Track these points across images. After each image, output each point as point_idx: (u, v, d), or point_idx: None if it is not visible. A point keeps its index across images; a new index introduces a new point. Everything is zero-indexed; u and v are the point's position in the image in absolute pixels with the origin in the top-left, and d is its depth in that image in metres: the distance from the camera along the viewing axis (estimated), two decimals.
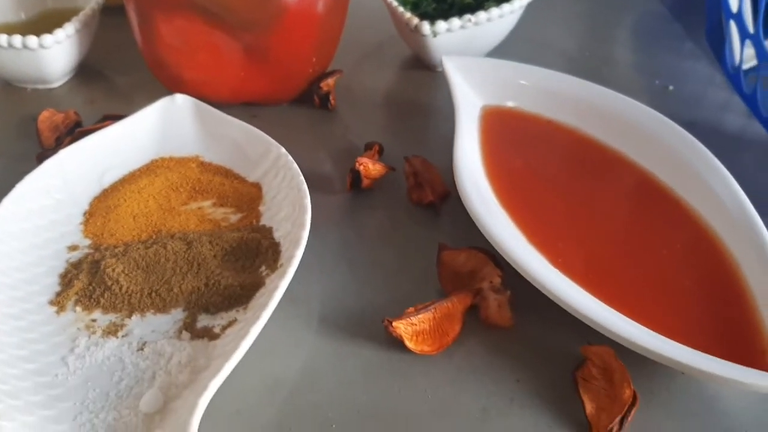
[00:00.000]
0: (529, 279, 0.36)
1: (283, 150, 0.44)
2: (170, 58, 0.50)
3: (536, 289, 0.36)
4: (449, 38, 0.54)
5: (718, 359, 0.32)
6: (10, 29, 0.54)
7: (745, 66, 0.57)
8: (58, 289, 0.39)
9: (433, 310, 0.36)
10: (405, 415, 0.34)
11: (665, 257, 0.39)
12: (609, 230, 0.41)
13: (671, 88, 0.58)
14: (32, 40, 0.51)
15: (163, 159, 0.47)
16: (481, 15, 0.53)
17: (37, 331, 0.36)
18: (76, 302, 0.38)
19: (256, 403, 0.34)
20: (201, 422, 0.32)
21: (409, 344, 0.36)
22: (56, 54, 0.53)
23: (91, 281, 0.39)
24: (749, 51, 0.55)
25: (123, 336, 0.37)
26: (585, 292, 0.36)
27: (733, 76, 0.58)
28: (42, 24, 0.57)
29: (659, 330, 0.34)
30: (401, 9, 0.55)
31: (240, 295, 0.38)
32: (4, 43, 0.51)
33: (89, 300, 0.38)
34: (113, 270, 0.39)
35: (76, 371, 0.35)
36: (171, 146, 0.48)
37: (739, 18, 0.55)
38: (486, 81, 0.50)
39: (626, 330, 0.33)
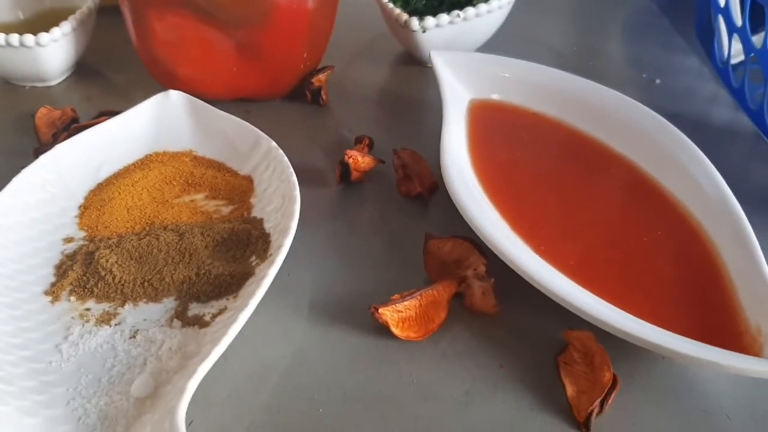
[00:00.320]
0: (511, 266, 0.36)
1: (274, 143, 0.45)
2: (164, 54, 0.51)
3: (520, 276, 0.36)
4: (438, 34, 0.55)
5: (696, 342, 0.33)
6: (8, 28, 0.55)
7: (734, 61, 0.58)
8: (53, 279, 0.40)
9: (418, 297, 0.37)
10: (390, 399, 0.35)
11: (646, 244, 0.40)
12: (591, 218, 0.42)
13: (658, 81, 0.59)
14: (29, 38, 0.52)
15: (157, 153, 0.48)
16: (470, 11, 0.54)
17: (32, 319, 0.37)
18: (71, 292, 0.39)
19: (245, 389, 0.35)
20: (192, 408, 0.33)
21: (395, 330, 0.36)
22: (53, 52, 0.54)
23: (86, 272, 0.40)
24: (738, 46, 0.55)
25: (116, 324, 0.37)
26: (567, 278, 0.36)
27: (722, 70, 0.59)
28: (40, 23, 0.58)
29: (639, 315, 0.35)
30: (391, 5, 0.56)
31: (230, 284, 0.39)
32: (2, 42, 0.52)
33: (83, 290, 0.39)
34: (107, 260, 0.39)
35: (70, 358, 0.36)
36: (165, 141, 0.49)
37: (726, 12, 0.56)
38: (474, 75, 0.50)
39: (606, 314, 0.34)
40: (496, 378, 0.36)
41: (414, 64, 0.60)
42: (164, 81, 0.52)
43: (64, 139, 0.47)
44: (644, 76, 0.59)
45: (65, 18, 0.54)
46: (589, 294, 0.36)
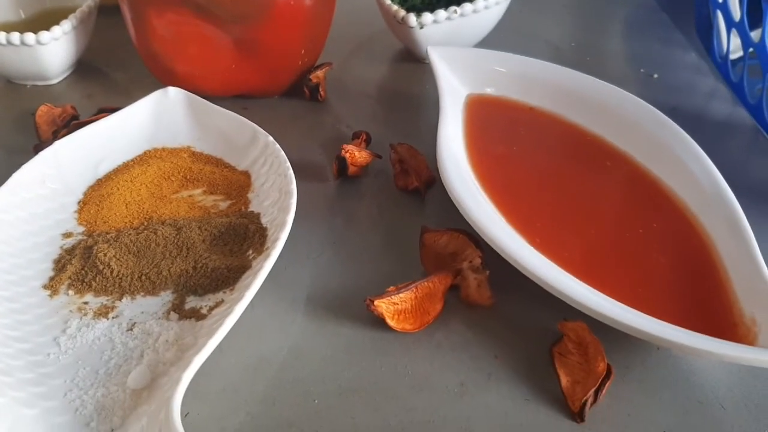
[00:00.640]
0: (506, 258, 0.36)
1: (271, 138, 0.46)
2: (163, 51, 0.51)
3: (515, 268, 0.36)
4: (436, 30, 0.55)
5: (690, 331, 0.33)
6: (9, 28, 0.56)
7: (733, 56, 0.58)
8: (51, 273, 0.40)
9: (414, 290, 0.37)
10: (385, 390, 0.35)
11: (641, 236, 0.40)
12: (587, 211, 0.42)
13: (656, 76, 0.59)
14: (30, 37, 0.53)
15: (155, 149, 0.49)
16: (467, 7, 0.54)
17: (31, 313, 0.38)
18: (69, 286, 0.39)
19: (241, 381, 0.35)
20: (189, 400, 0.33)
21: (391, 323, 0.37)
22: (54, 50, 0.55)
23: (84, 266, 0.40)
24: (737, 41, 0.56)
25: (113, 317, 0.38)
26: (561, 270, 0.36)
27: (721, 65, 0.59)
28: (41, 22, 0.58)
29: (634, 306, 0.35)
30: (389, 2, 0.56)
31: (227, 277, 0.39)
32: (3, 41, 0.53)
33: (81, 284, 0.39)
34: (105, 255, 0.40)
35: (68, 351, 0.36)
36: (164, 137, 0.49)
37: (725, 7, 0.56)
38: (470, 70, 0.51)
39: (600, 305, 0.34)
40: (491, 369, 0.36)
41: (411, 61, 0.61)
42: (163, 78, 0.53)
43: (65, 135, 0.47)
44: (642, 70, 0.59)
45: (66, 17, 0.55)
46: (583, 285, 0.36)
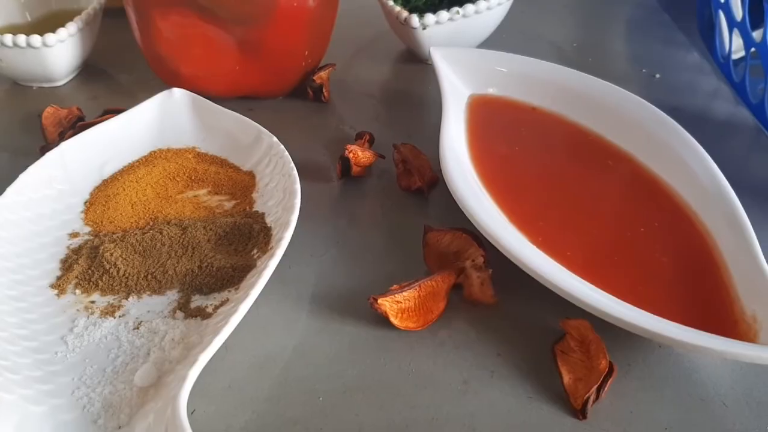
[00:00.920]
0: (509, 256, 0.37)
1: (275, 139, 0.46)
2: (168, 53, 0.51)
3: (517, 267, 0.37)
4: (439, 31, 0.55)
5: (691, 329, 0.33)
6: (15, 30, 0.56)
7: (735, 56, 0.58)
8: (58, 273, 0.41)
9: (417, 288, 0.38)
10: (389, 388, 0.35)
11: (643, 235, 0.40)
12: (588, 210, 0.42)
13: (657, 76, 0.59)
14: (36, 39, 0.53)
15: (161, 150, 0.49)
16: (469, 7, 0.54)
17: (38, 312, 0.38)
18: (76, 285, 0.40)
19: (247, 379, 0.36)
20: (194, 397, 0.33)
21: (395, 321, 0.37)
22: (60, 52, 0.55)
23: (90, 265, 0.40)
24: (739, 41, 0.56)
25: (120, 316, 0.38)
26: (563, 268, 0.37)
27: (723, 65, 0.59)
28: (46, 25, 0.59)
29: (636, 304, 0.35)
30: (391, 3, 0.56)
31: (232, 276, 0.39)
32: (10, 43, 0.53)
33: (88, 283, 0.40)
34: (111, 254, 0.40)
35: (75, 349, 0.36)
36: (169, 138, 0.50)
37: (727, 7, 0.56)
38: (473, 70, 0.51)
39: (602, 303, 0.34)
40: (494, 367, 0.36)
41: (414, 62, 0.61)
42: (168, 79, 0.53)
43: (71, 137, 0.48)
44: (644, 70, 0.60)
45: (71, 19, 0.55)
46: (585, 283, 0.36)
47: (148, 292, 0.39)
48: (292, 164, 0.44)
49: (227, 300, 0.38)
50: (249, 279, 0.39)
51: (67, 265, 0.41)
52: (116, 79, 0.60)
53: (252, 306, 0.36)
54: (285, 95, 0.56)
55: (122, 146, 0.48)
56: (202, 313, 0.38)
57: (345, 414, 0.34)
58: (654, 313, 0.34)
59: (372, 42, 0.65)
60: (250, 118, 0.48)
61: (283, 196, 0.43)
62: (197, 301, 0.39)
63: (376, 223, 0.45)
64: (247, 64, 0.52)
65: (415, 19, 0.54)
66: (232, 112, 0.49)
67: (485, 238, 0.38)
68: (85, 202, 0.45)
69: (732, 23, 0.55)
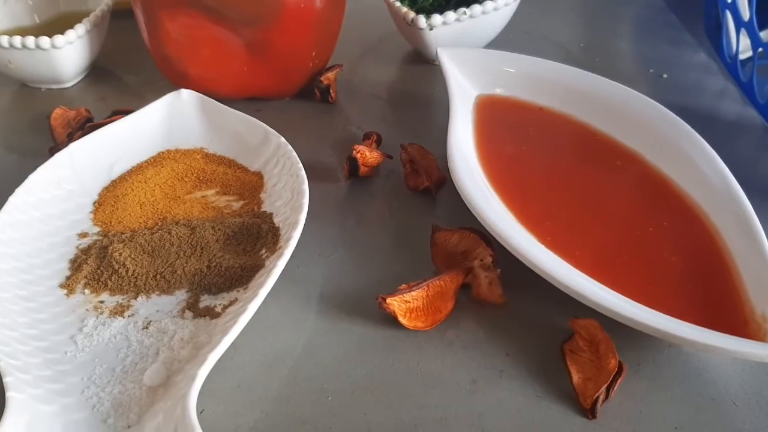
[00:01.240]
0: (518, 256, 0.37)
1: (283, 139, 0.46)
2: (176, 54, 0.52)
3: (526, 267, 0.37)
4: (445, 31, 0.55)
5: (701, 328, 0.33)
6: (24, 32, 0.57)
7: (743, 56, 0.58)
8: (68, 273, 0.41)
9: (425, 288, 0.38)
10: (397, 388, 0.35)
11: (652, 234, 0.40)
12: (597, 210, 0.42)
13: (665, 76, 0.59)
14: (45, 40, 0.53)
15: (169, 151, 0.49)
16: (476, 8, 0.54)
17: (48, 311, 0.38)
18: (85, 285, 0.40)
19: (255, 378, 0.36)
20: (203, 397, 0.34)
21: (403, 321, 0.37)
22: (68, 54, 0.56)
23: (100, 265, 0.40)
24: (746, 41, 0.56)
25: (129, 316, 0.38)
26: (572, 268, 0.37)
27: (730, 65, 0.59)
28: (55, 27, 0.59)
29: (645, 303, 0.35)
30: (398, 4, 0.56)
31: (240, 276, 0.39)
32: (18, 45, 0.53)
33: (97, 283, 0.40)
34: (120, 254, 0.40)
35: (84, 349, 0.36)
36: (177, 139, 0.50)
37: (734, 7, 0.56)
38: (480, 71, 0.51)
39: (611, 302, 0.34)
40: (502, 366, 0.36)
41: (421, 63, 0.61)
42: (176, 80, 0.53)
43: (79, 138, 0.48)
44: (651, 71, 0.60)
45: (80, 21, 0.56)
46: (594, 282, 0.36)
47: (157, 292, 0.39)
48: (300, 164, 0.44)
49: (236, 300, 0.38)
50: (258, 279, 0.39)
51: (76, 265, 0.41)
52: (124, 80, 0.60)
53: (260, 306, 0.36)
54: (292, 96, 0.57)
55: (131, 147, 0.49)
56: (210, 313, 0.38)
57: (354, 413, 0.34)
58: (663, 313, 0.34)
59: (379, 43, 0.65)
60: (257, 118, 0.49)
61: (291, 197, 0.43)
62: (206, 300, 0.39)
63: (383, 223, 0.45)
64: (255, 65, 0.52)
65: (422, 20, 0.54)
66: (240, 112, 0.49)
67: (493, 238, 0.38)
68: (94, 203, 0.45)
69: (739, 23, 0.55)
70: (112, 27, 0.60)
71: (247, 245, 0.42)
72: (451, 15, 0.54)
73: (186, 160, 0.48)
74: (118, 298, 0.39)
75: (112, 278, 0.40)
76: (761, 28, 0.53)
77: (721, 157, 0.43)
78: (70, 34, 0.54)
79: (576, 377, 0.34)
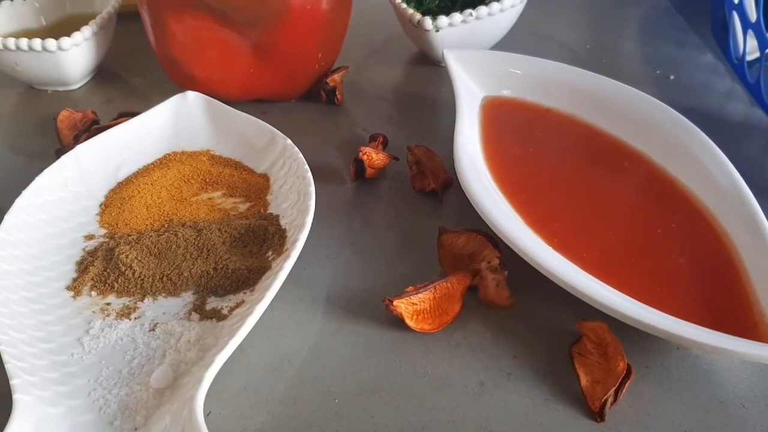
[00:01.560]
0: (525, 257, 0.37)
1: (289, 141, 0.46)
2: (182, 56, 0.52)
3: (533, 269, 0.36)
4: (452, 33, 0.55)
5: (710, 330, 0.33)
6: (31, 34, 0.57)
7: (750, 57, 0.58)
8: (74, 275, 0.41)
9: (432, 290, 0.37)
10: (404, 390, 0.35)
11: (660, 236, 0.40)
12: (604, 212, 0.42)
13: (672, 77, 0.59)
14: (51, 43, 0.54)
15: (175, 153, 0.49)
16: (482, 9, 0.54)
17: (54, 313, 0.38)
18: (92, 287, 0.40)
19: (262, 380, 0.36)
20: (210, 399, 0.34)
21: (410, 323, 0.37)
22: (75, 56, 0.56)
23: (106, 267, 0.40)
24: (753, 43, 0.55)
25: (135, 318, 0.38)
26: (579, 269, 0.36)
27: (737, 66, 0.59)
28: (61, 29, 0.59)
29: (653, 305, 0.35)
30: (404, 5, 0.56)
31: (247, 278, 0.39)
32: (25, 47, 0.53)
33: (104, 285, 0.40)
34: (127, 256, 0.40)
35: (91, 351, 0.36)
36: (183, 141, 0.50)
37: (741, 8, 0.56)
38: (486, 72, 0.51)
39: (619, 304, 0.34)
40: (510, 369, 0.36)
41: (428, 64, 0.61)
42: (182, 83, 0.53)
43: (86, 140, 0.48)
44: (658, 72, 0.59)
45: (86, 23, 0.56)
46: (602, 284, 0.36)
47: (163, 294, 0.39)
48: (306, 166, 0.44)
49: (242, 302, 0.38)
50: (264, 281, 0.39)
51: (82, 267, 0.41)
52: (130, 82, 0.61)
53: (267, 308, 0.36)
54: (298, 98, 0.57)
55: (137, 149, 0.49)
56: (217, 315, 0.38)
57: (360, 416, 0.34)
58: (671, 315, 0.34)
59: (385, 44, 0.65)
60: (263, 120, 0.49)
61: (297, 198, 0.43)
62: (212, 303, 0.39)
63: (390, 224, 0.45)
64: (261, 67, 0.52)
65: (428, 22, 0.54)
66: (246, 114, 0.49)
67: (500, 240, 0.38)
68: (101, 205, 0.45)
69: (746, 24, 0.55)
70: (119, 29, 0.60)
71: (253, 247, 0.42)
72: (457, 16, 0.54)
73: (192, 162, 0.48)
74: (125, 300, 0.39)
75: (119, 280, 0.40)
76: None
77: (729, 158, 0.43)
78: (77, 36, 0.54)
79: (584, 380, 0.34)
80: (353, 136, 0.53)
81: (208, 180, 0.47)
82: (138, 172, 0.48)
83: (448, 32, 0.55)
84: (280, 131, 0.47)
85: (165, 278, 0.40)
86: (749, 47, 0.57)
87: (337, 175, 0.49)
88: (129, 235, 0.43)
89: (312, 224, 0.40)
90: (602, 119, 0.48)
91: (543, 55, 0.53)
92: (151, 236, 0.42)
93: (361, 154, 0.46)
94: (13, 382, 0.33)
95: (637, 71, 0.60)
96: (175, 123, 0.50)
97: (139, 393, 0.34)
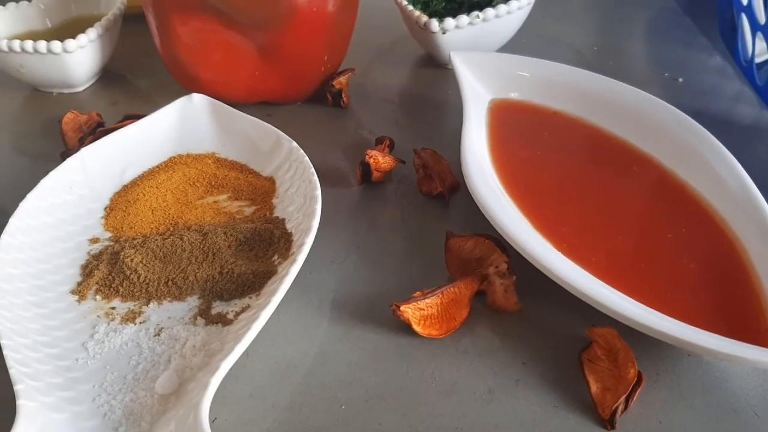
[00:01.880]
0: (533, 262, 0.36)
1: (295, 144, 0.46)
2: (187, 58, 0.51)
3: (542, 274, 0.36)
4: (458, 35, 0.55)
5: (723, 337, 0.32)
6: (36, 36, 0.57)
7: (759, 60, 0.57)
8: (79, 279, 0.40)
9: (440, 295, 0.37)
10: (412, 396, 0.35)
11: (670, 241, 0.40)
12: (614, 216, 0.42)
13: (680, 80, 0.58)
14: (56, 45, 0.53)
15: (180, 156, 0.49)
16: (489, 11, 0.54)
17: (59, 318, 0.38)
18: (97, 291, 0.40)
19: (268, 386, 0.35)
20: (215, 405, 0.33)
21: (417, 328, 0.36)
22: (80, 58, 0.56)
23: (111, 271, 0.40)
24: (762, 45, 0.55)
25: (140, 323, 0.38)
26: (589, 274, 0.36)
27: (746, 68, 0.58)
28: (67, 31, 0.59)
29: (663, 311, 0.34)
30: (411, 7, 0.56)
31: (253, 282, 0.39)
32: (30, 49, 0.53)
33: (109, 289, 0.40)
34: (132, 260, 0.40)
35: (96, 356, 0.36)
36: (188, 143, 0.50)
37: (749, 11, 0.55)
38: (493, 75, 0.50)
39: (630, 310, 0.33)
40: (518, 375, 0.35)
41: (434, 66, 0.61)
42: (187, 85, 0.53)
43: (91, 142, 0.48)
44: (666, 74, 0.59)
45: (91, 25, 0.55)
46: (612, 290, 0.35)
47: (168, 299, 0.39)
48: (312, 169, 0.44)
49: (248, 306, 0.38)
50: (270, 285, 0.39)
51: (87, 270, 0.41)
52: (136, 84, 0.60)
53: (273, 313, 0.35)
54: (304, 100, 0.56)
55: (142, 151, 0.48)
56: (223, 320, 0.37)
57: (367, 422, 0.34)
58: (682, 321, 0.34)
59: (391, 47, 0.64)
60: (269, 123, 0.48)
61: (303, 202, 0.42)
62: (218, 307, 0.39)
63: (396, 228, 0.45)
64: (267, 70, 0.52)
65: (434, 24, 0.54)
66: (252, 117, 0.49)
67: (508, 244, 0.38)
68: (106, 208, 0.45)
69: (755, 27, 0.55)
70: (124, 31, 0.60)
71: (259, 251, 0.41)
72: (464, 18, 0.54)
73: (197, 164, 0.48)
74: (130, 305, 0.39)
75: (124, 284, 0.39)
76: None
77: (739, 161, 0.42)
78: (82, 38, 0.54)
79: (594, 387, 0.34)
80: (359, 138, 0.53)
81: (213, 183, 0.47)
82: (143, 174, 0.47)
83: (454, 34, 0.55)
84: (286, 134, 0.47)
85: (170, 282, 0.39)
86: (758, 49, 0.56)
87: (344, 178, 0.49)
88: (134, 239, 0.42)
89: (318, 228, 0.40)
90: (610, 122, 0.47)
91: (550, 58, 0.52)
92: (157, 240, 0.41)
93: (367, 157, 0.45)
94: (17, 387, 0.32)
95: (645, 73, 0.60)
96: (181, 125, 0.50)
97: (144, 399, 0.34)
